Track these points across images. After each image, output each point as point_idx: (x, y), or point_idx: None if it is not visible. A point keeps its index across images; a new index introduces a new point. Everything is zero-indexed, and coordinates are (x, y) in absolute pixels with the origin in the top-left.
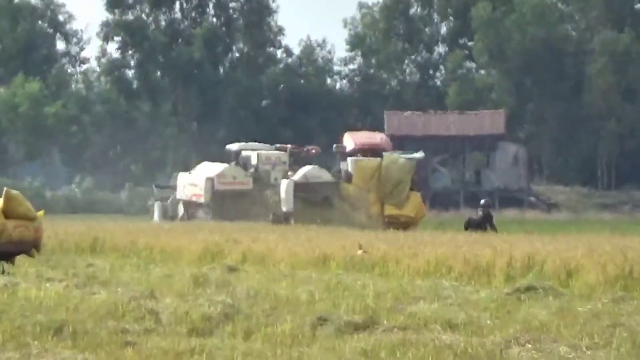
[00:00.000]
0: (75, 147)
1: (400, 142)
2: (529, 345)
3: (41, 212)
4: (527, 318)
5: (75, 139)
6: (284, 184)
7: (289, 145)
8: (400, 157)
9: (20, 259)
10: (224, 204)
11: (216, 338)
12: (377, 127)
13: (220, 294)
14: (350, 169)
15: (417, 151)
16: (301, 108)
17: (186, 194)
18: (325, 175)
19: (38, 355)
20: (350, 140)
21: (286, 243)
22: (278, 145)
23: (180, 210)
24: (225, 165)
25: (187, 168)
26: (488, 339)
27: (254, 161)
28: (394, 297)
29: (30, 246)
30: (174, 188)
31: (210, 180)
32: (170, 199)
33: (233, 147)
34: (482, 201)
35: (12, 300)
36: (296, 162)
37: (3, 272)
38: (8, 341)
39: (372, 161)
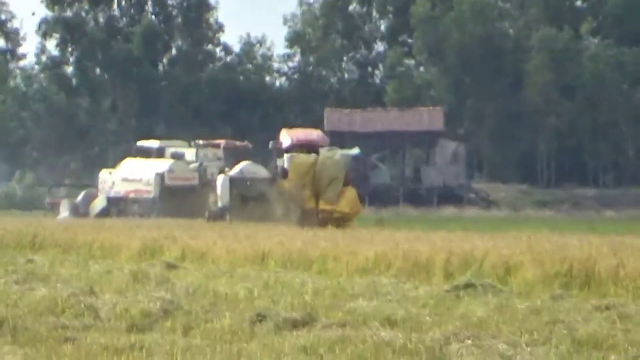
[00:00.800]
0: (14, 144)
1: (340, 139)
2: (469, 342)
3: None
4: (466, 315)
5: (15, 135)
6: (219, 180)
7: (222, 141)
8: (337, 153)
9: None
10: (171, 200)
11: (155, 334)
12: (317, 123)
13: (159, 290)
14: (286, 165)
15: (353, 148)
16: (241, 105)
17: (116, 191)
18: (261, 171)
19: None
20: (287, 137)
21: (225, 240)
22: (199, 142)
23: (98, 207)
24: (171, 161)
25: None
26: (427, 336)
27: (190, 157)
28: (332, 294)
29: None
30: (74, 186)
31: (159, 175)
32: (82, 196)
33: (152, 144)
34: None
35: None
36: (231, 157)
37: None
38: None
39: (308, 157)
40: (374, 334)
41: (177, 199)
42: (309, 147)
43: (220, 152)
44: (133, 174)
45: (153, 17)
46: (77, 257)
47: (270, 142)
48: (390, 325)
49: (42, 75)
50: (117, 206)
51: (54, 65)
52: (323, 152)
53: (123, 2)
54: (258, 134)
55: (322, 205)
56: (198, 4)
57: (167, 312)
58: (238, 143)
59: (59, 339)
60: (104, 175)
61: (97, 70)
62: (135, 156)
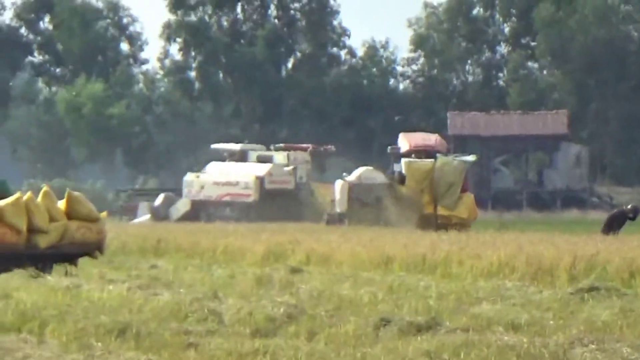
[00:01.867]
0: (137, 149)
1: (463, 142)
2: (593, 346)
3: (104, 214)
4: (590, 318)
5: (138, 140)
6: (337, 185)
7: (310, 145)
8: (454, 160)
9: (83, 260)
10: (269, 203)
11: (279, 339)
12: (440, 127)
13: (283, 295)
14: (403, 171)
15: (474, 152)
16: (364, 109)
17: (207, 194)
18: (379, 177)
19: (101, 357)
20: (404, 142)
21: (348, 244)
22: (279, 145)
23: (181, 210)
24: (269, 165)
25: None
26: (551, 340)
27: (279, 161)
28: (456, 298)
29: (93, 248)
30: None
31: (260, 179)
32: (161, 199)
33: (232, 147)
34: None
35: (76, 302)
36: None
37: (66, 273)
38: (71, 342)
39: (425, 163)
40: (498, 339)
41: (275, 202)
42: (426, 152)
43: (307, 156)
44: (227, 177)
45: (276, 20)
46: (200, 262)
47: (389, 147)
48: (514, 329)
49: (165, 79)
50: (206, 210)
51: (177, 70)
52: (441, 157)
53: (246, 6)
54: (381, 137)
55: (441, 211)
56: (321, 8)
57: (291, 317)
58: (323, 147)
59: (182, 345)
60: (190, 178)
61: (220, 74)
62: (210, 159)
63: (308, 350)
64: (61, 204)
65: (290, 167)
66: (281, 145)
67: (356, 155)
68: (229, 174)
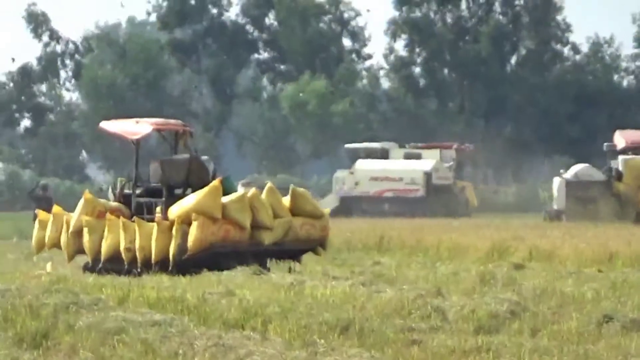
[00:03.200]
0: None
1: None
2: None
3: (327, 210)
4: None
5: (362, 137)
6: (556, 183)
7: (454, 144)
8: None
9: (307, 257)
10: (435, 199)
11: (502, 335)
12: None
13: (506, 292)
14: (620, 168)
15: None
16: (588, 105)
17: (363, 190)
18: (596, 174)
19: (324, 354)
20: (620, 139)
21: (572, 240)
22: (414, 144)
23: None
24: (434, 160)
25: (475, 165)
26: None
27: (434, 158)
28: None
29: (317, 244)
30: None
31: (427, 174)
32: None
33: (373, 145)
34: None
35: (299, 299)
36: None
37: (290, 270)
38: (295, 339)
39: None
40: None
41: (438, 198)
42: None
43: (454, 153)
44: (388, 173)
45: (501, 17)
46: (424, 259)
47: (605, 144)
48: None
49: (390, 76)
50: (358, 206)
51: (402, 66)
52: None
53: (471, 2)
54: (605, 134)
55: None
56: (546, 4)
57: (514, 314)
58: (465, 145)
59: (405, 342)
60: (342, 175)
61: (445, 71)
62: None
63: (531, 347)
64: (286, 200)
65: (449, 164)
66: (417, 144)
67: (581, 151)
68: (390, 170)
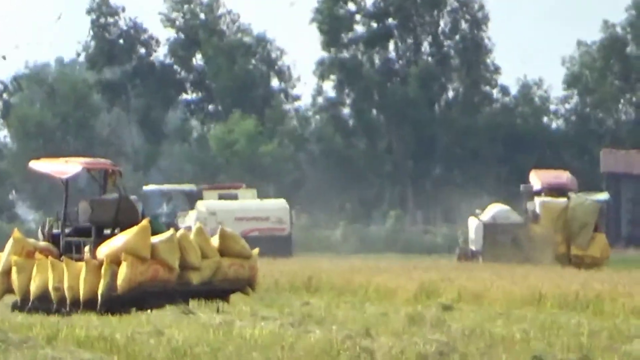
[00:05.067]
0: (290, 185)
1: (616, 180)
2: None
3: (256, 251)
4: None
5: (290, 177)
6: (472, 223)
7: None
8: (587, 200)
9: (235, 297)
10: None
11: None
12: (593, 165)
13: (435, 333)
14: (537, 209)
15: (602, 192)
16: (518, 147)
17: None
18: (513, 216)
19: None
20: (536, 179)
21: (501, 281)
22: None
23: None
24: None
25: (404, 206)
26: None
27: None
28: (608, 336)
29: (245, 284)
30: None
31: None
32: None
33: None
34: None
35: (228, 339)
36: None
37: (218, 310)
38: None
39: (560, 202)
40: None
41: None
42: (558, 190)
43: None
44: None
45: (429, 58)
46: (353, 299)
47: (522, 185)
48: None
49: (317, 116)
50: None
51: (330, 107)
52: (574, 197)
53: (400, 44)
54: None
55: (574, 251)
56: (475, 46)
57: (442, 355)
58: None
59: None
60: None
61: (374, 111)
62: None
63: None
64: (214, 241)
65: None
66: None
67: (511, 192)
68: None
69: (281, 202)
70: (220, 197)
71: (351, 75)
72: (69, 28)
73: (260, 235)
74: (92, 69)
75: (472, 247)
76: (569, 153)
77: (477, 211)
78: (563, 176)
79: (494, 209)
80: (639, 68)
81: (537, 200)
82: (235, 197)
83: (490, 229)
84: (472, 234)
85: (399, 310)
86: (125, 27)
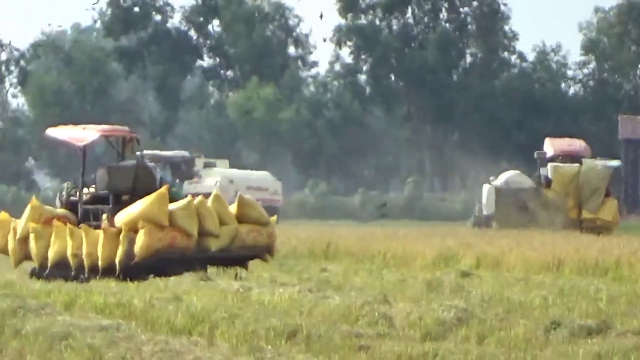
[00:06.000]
0: (308, 153)
1: (635, 146)
2: None
3: (274, 218)
4: None
5: (308, 144)
6: (485, 190)
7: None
8: (599, 165)
9: (253, 263)
10: None
11: (449, 342)
12: (611, 131)
13: (453, 299)
14: (549, 175)
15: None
16: (535, 112)
17: None
18: (526, 181)
19: (271, 359)
20: (550, 147)
21: (519, 247)
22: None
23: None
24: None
25: (422, 173)
26: None
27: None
28: (627, 302)
29: (263, 251)
30: None
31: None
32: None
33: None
34: None
35: (246, 305)
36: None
37: (237, 276)
38: (241, 345)
39: (571, 168)
40: None
41: None
42: (572, 157)
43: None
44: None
45: (447, 24)
46: (370, 266)
47: (535, 152)
48: None
49: (335, 83)
50: None
51: (347, 74)
52: (586, 162)
53: (417, 10)
54: None
55: (585, 214)
56: (492, 12)
57: (461, 321)
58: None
59: (352, 348)
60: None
61: (392, 78)
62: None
63: (478, 353)
64: (232, 208)
65: None
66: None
67: (528, 158)
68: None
69: (269, 174)
70: (205, 165)
71: (369, 42)
72: None
73: (263, 206)
74: (108, 36)
75: (485, 212)
76: (586, 119)
77: (491, 178)
78: (576, 144)
79: (507, 174)
80: None
81: (550, 165)
82: (214, 166)
83: (503, 194)
84: (484, 199)
85: (417, 277)
86: None
